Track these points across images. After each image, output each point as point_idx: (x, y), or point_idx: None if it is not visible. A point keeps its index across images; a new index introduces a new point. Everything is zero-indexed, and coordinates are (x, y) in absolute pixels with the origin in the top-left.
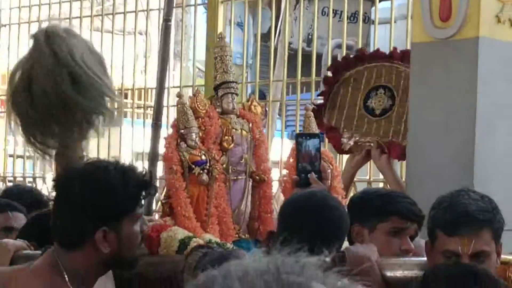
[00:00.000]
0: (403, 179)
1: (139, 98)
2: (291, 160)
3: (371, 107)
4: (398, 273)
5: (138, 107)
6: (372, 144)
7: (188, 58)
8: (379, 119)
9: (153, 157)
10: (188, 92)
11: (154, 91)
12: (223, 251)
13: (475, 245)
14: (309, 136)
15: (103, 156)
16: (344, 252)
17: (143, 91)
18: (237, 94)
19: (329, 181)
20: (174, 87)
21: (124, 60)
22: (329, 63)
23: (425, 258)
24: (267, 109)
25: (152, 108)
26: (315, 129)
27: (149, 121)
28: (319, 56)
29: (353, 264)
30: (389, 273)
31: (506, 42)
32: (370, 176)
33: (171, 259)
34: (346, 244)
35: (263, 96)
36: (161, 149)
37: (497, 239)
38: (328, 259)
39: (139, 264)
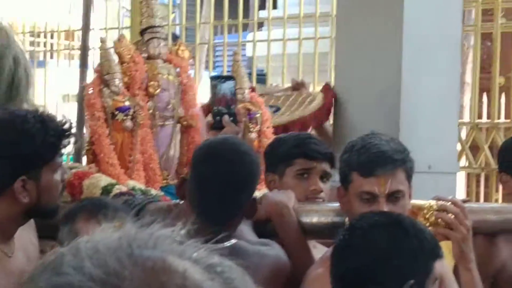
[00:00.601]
0: (331, 122)
1: (66, 39)
2: None
3: None
4: (314, 219)
5: (65, 48)
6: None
7: None
8: None
9: (80, 101)
10: (114, 34)
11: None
12: (144, 198)
13: (391, 185)
14: (224, 78)
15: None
16: (257, 198)
17: (69, 31)
18: (163, 39)
19: (258, 126)
20: (100, 29)
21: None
22: (257, 2)
23: None
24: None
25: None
26: (243, 74)
27: (74, 61)
28: None
29: (270, 211)
30: (305, 219)
31: None
32: None
33: None
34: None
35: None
36: (67, 90)
37: (409, 179)
38: (183, 232)
39: (64, 211)
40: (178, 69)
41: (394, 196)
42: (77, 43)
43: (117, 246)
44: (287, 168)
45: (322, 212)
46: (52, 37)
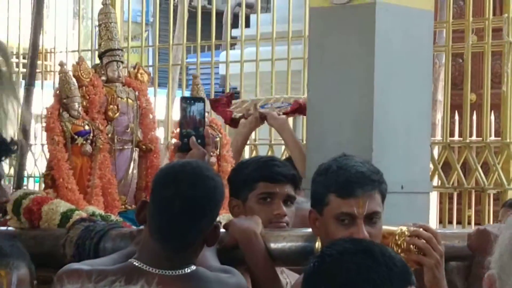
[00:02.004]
0: (304, 142)
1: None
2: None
3: None
4: (282, 245)
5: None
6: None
7: (88, 17)
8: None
9: (25, 122)
10: (87, 55)
11: (54, 53)
12: (105, 224)
13: (369, 206)
14: (193, 100)
15: None
16: (221, 223)
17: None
18: (122, 62)
19: (218, 150)
20: (73, 51)
21: (21, 19)
22: (229, 21)
23: (309, 230)
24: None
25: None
26: (204, 97)
27: (48, 82)
28: (220, 14)
29: (238, 238)
30: (273, 245)
31: (401, 6)
32: (271, 139)
33: (52, 233)
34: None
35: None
36: (38, 111)
37: (383, 202)
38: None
39: (20, 238)
40: (137, 93)
41: (371, 218)
42: (49, 63)
43: None
44: (250, 192)
45: (290, 238)
46: (24, 57)
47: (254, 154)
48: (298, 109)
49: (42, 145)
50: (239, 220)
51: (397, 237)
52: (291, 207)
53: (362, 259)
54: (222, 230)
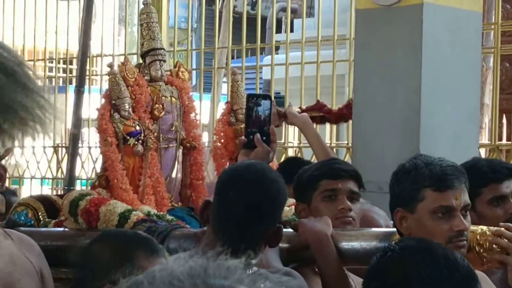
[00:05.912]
0: (349, 145)
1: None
2: (221, 125)
3: None
4: (356, 244)
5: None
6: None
7: (133, 23)
8: None
9: (76, 123)
10: (133, 59)
11: (101, 58)
12: (167, 225)
13: (464, 197)
14: (260, 97)
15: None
16: (291, 222)
17: (89, 57)
18: (164, 61)
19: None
20: (119, 55)
21: (69, 25)
22: (274, 26)
23: (384, 229)
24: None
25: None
26: (243, 93)
27: (93, 87)
28: (264, 19)
29: (309, 240)
30: (345, 245)
31: (449, 7)
32: (300, 141)
33: None
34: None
35: (209, 63)
36: (84, 115)
37: None
38: (254, 261)
39: (79, 239)
40: (179, 91)
41: (465, 210)
42: (95, 69)
43: (192, 275)
44: (313, 192)
45: (364, 238)
46: (71, 63)
47: (283, 157)
48: (322, 110)
49: (89, 147)
50: (309, 221)
51: (478, 237)
52: (356, 204)
53: (422, 257)
54: (290, 230)
